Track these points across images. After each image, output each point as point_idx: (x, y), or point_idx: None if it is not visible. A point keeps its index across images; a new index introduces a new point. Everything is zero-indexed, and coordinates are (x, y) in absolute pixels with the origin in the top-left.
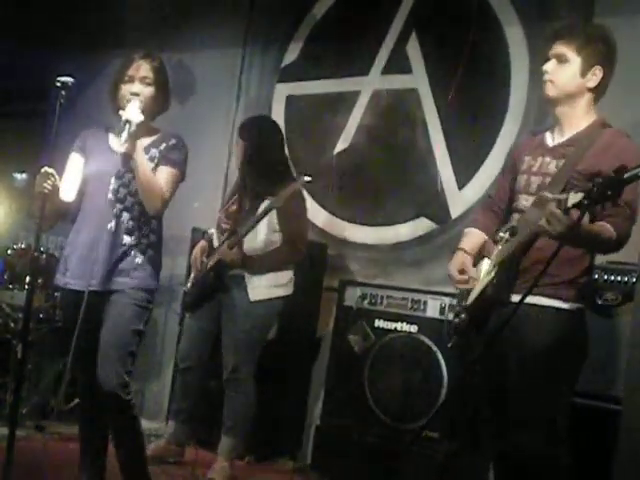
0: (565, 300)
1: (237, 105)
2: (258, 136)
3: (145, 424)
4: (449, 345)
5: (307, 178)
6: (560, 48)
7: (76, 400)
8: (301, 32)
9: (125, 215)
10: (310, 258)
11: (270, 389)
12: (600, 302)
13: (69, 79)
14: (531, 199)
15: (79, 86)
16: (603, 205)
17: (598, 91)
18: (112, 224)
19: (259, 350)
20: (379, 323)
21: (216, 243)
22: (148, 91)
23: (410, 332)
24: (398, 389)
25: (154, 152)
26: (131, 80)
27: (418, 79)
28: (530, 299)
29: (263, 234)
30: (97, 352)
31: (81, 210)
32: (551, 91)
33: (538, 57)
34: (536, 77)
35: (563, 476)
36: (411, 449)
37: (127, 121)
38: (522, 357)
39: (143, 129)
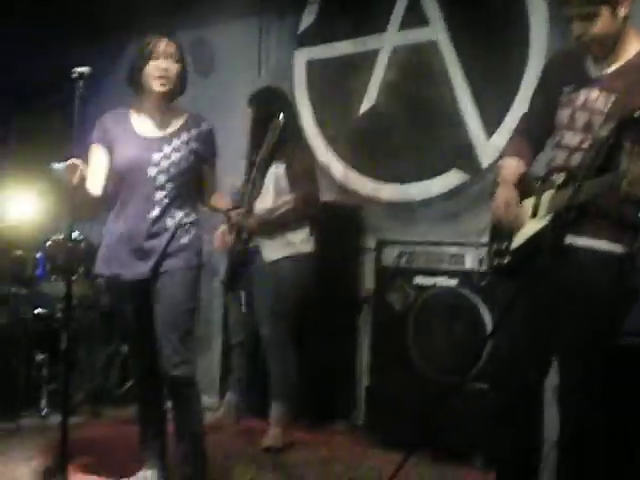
0: (618, 242)
1: (259, 75)
2: (265, 102)
3: None
4: (482, 284)
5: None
6: (581, 8)
7: (129, 383)
8: None
9: (166, 201)
10: (346, 220)
11: (318, 352)
12: None
13: (86, 69)
14: (578, 136)
15: (98, 74)
16: None
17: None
18: (156, 211)
19: (292, 311)
20: (418, 280)
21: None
22: (175, 68)
23: (450, 286)
24: (442, 344)
25: (184, 137)
26: (157, 57)
27: (436, 30)
28: (585, 241)
29: (271, 197)
30: (151, 335)
31: (120, 200)
32: (596, 49)
33: None
34: (555, 12)
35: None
36: (459, 402)
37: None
38: (572, 298)
39: (169, 111)
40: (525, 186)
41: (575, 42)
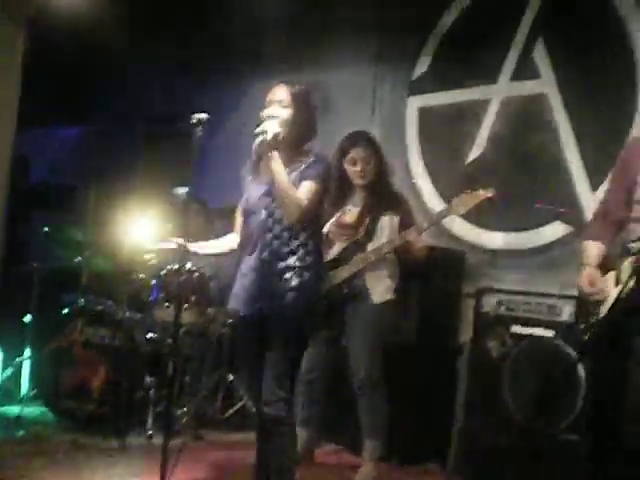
0: None
1: (372, 120)
2: (380, 151)
3: None
4: (581, 338)
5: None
6: None
7: (231, 410)
8: (429, 45)
9: (275, 242)
10: (449, 266)
11: (415, 393)
12: None
13: (203, 115)
14: None
15: (225, 110)
16: None
17: None
18: (266, 253)
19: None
20: (516, 329)
21: (333, 252)
22: (285, 113)
23: (546, 337)
24: (536, 393)
25: (294, 175)
26: (269, 104)
27: (547, 84)
28: None
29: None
30: (257, 373)
31: (243, 241)
32: None
33: None
34: None
35: None
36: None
37: (262, 131)
38: None
39: (288, 152)
40: (607, 262)
41: None
